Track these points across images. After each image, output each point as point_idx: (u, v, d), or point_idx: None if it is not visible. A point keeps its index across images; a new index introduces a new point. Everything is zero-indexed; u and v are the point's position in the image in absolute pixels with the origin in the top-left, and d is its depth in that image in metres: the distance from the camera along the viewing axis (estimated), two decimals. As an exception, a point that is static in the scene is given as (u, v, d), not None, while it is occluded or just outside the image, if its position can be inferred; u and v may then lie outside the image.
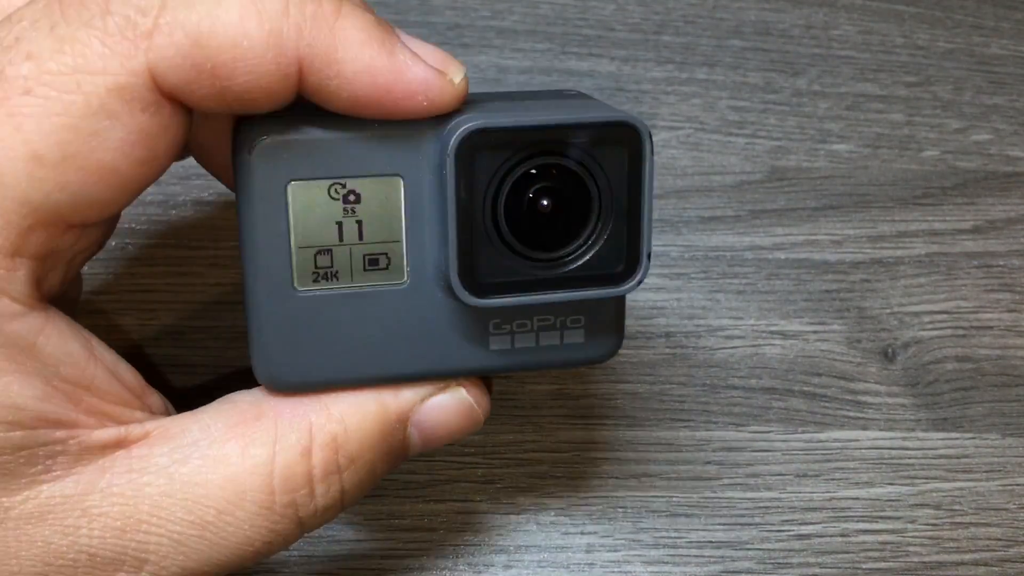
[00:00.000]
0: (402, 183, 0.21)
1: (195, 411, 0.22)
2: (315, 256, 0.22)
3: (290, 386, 0.22)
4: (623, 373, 0.32)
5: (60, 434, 0.19)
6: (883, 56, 0.38)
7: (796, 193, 0.35)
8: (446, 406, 0.23)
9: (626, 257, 0.22)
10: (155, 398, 0.22)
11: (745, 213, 0.35)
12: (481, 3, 0.37)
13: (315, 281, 0.22)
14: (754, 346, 0.33)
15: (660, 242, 0.34)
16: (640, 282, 0.22)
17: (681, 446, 0.32)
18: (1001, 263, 0.35)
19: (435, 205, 0.21)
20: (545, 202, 0.21)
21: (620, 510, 0.31)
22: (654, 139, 0.23)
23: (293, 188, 0.21)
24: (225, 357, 0.31)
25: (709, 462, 0.32)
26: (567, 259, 0.22)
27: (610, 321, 0.23)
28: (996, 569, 0.31)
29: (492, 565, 0.30)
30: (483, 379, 0.24)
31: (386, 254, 0.22)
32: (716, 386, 0.33)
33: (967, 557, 0.31)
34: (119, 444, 0.20)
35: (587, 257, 0.22)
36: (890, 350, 0.34)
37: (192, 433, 0.21)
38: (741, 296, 0.34)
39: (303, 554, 0.29)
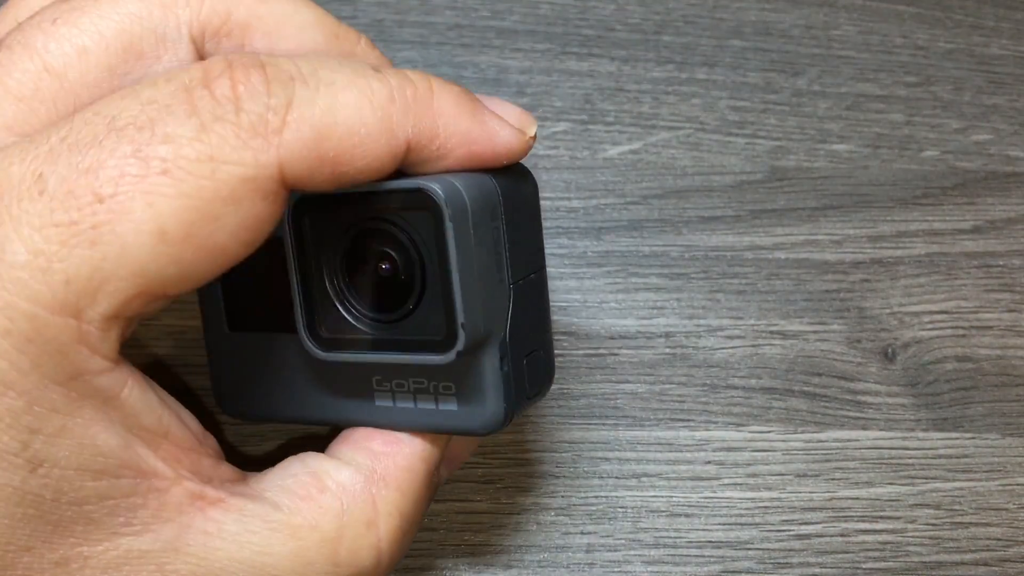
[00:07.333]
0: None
1: (262, 477, 0.23)
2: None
3: (238, 415, 0.27)
4: (623, 373, 0.32)
5: (142, 485, 0.20)
6: (883, 56, 0.38)
7: (796, 193, 0.35)
8: (466, 437, 0.25)
9: (445, 326, 0.21)
10: (212, 440, 0.23)
11: (745, 213, 0.35)
12: (481, 3, 0.37)
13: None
14: (754, 346, 0.33)
15: (660, 242, 0.34)
16: (460, 354, 0.20)
17: (681, 446, 0.32)
18: (1001, 263, 0.35)
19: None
20: (385, 265, 0.22)
21: (620, 510, 0.31)
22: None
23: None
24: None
25: (709, 462, 0.32)
26: (398, 322, 0.22)
27: (482, 393, 0.22)
28: (996, 569, 0.31)
29: (492, 565, 0.30)
30: None
31: None
32: (716, 386, 0.33)
33: (967, 557, 0.31)
34: (194, 503, 0.21)
35: (414, 321, 0.21)
36: (890, 350, 0.34)
37: (262, 506, 0.22)
38: (741, 296, 0.34)
39: (303, 554, 0.29)
